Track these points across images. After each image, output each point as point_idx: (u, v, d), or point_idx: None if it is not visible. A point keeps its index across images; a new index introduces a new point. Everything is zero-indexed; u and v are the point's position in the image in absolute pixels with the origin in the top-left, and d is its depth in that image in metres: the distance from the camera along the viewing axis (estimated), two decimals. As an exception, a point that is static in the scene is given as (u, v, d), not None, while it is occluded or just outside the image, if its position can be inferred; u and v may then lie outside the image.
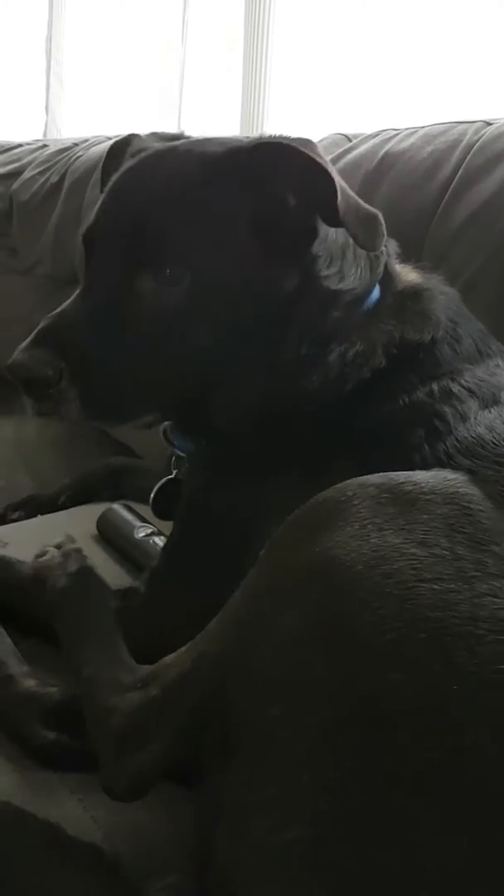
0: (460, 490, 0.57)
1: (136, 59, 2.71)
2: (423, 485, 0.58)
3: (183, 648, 0.64)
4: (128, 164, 0.89)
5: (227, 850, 0.50)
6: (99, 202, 0.88)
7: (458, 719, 0.44)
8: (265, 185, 0.79)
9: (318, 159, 0.76)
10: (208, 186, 0.80)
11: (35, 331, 0.80)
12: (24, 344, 0.79)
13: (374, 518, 0.54)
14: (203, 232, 0.80)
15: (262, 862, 0.47)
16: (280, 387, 0.83)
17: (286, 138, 0.80)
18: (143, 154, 0.88)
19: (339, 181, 0.75)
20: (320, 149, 0.79)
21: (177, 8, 2.38)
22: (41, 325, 0.81)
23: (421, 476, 0.59)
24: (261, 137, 0.82)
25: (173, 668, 0.64)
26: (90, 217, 0.87)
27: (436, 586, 0.48)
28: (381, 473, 0.60)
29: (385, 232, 0.78)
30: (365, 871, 0.43)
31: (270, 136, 0.82)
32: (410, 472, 0.59)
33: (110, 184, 0.87)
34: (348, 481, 0.60)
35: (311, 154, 0.76)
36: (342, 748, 0.46)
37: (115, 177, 0.87)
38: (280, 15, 1.99)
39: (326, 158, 0.77)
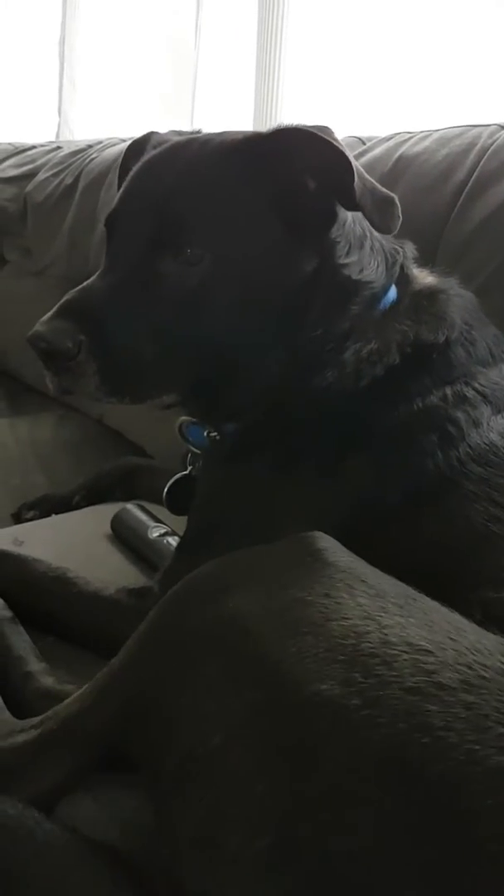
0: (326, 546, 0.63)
1: (149, 62, 2.72)
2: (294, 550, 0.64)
3: (81, 689, 0.70)
4: (149, 154, 0.90)
5: (204, 871, 0.52)
6: (121, 190, 0.89)
7: (385, 716, 0.49)
8: (284, 169, 0.80)
9: (336, 143, 0.78)
10: (228, 170, 0.82)
11: (57, 304, 0.81)
12: (45, 316, 0.80)
13: (273, 581, 0.61)
14: (223, 214, 0.81)
15: (242, 874, 0.50)
16: (296, 376, 0.83)
17: (304, 125, 0.81)
18: (164, 145, 0.90)
19: (356, 165, 0.77)
20: (337, 135, 0.80)
21: (190, 10, 2.39)
22: (63, 298, 0.81)
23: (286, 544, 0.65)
24: (279, 125, 0.83)
25: (73, 704, 0.69)
26: (112, 203, 0.88)
27: (344, 623, 0.55)
28: (249, 549, 0.66)
29: (400, 215, 0.79)
30: (336, 855, 0.47)
31: (289, 124, 0.83)
32: (274, 545, 0.66)
33: (132, 172, 0.88)
34: (224, 558, 0.65)
35: (329, 139, 0.78)
36: (284, 753, 0.51)
37: (136, 166, 0.89)
38: (293, 17, 1.99)
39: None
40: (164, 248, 0.80)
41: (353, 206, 0.78)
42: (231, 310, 0.82)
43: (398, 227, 0.80)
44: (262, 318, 0.82)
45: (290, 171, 0.80)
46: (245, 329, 0.83)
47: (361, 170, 0.78)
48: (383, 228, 0.80)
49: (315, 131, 0.79)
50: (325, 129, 0.80)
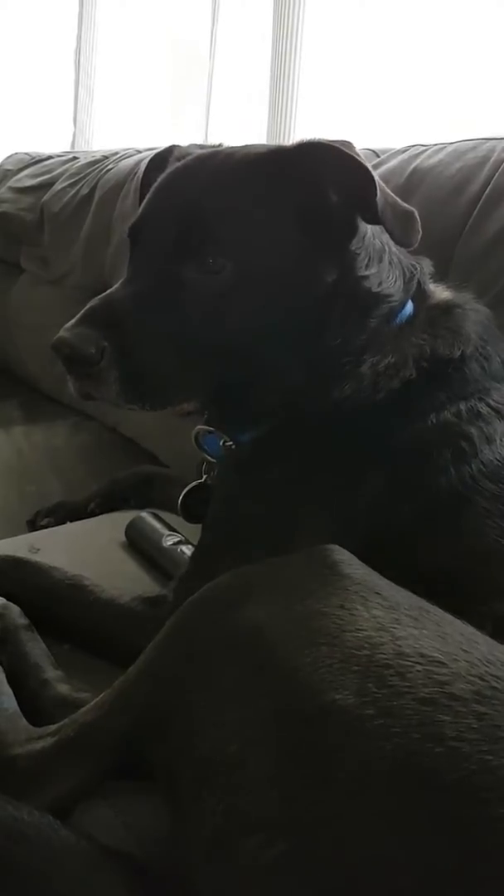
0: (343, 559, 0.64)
1: (164, 73, 2.74)
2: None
3: (97, 698, 0.71)
4: (172, 166, 0.92)
5: (219, 877, 0.53)
6: (144, 201, 0.90)
7: (399, 726, 0.50)
8: (308, 181, 0.81)
9: (359, 158, 0.79)
10: (252, 182, 0.83)
11: (81, 311, 0.82)
12: (69, 323, 0.81)
13: (289, 592, 0.62)
14: (245, 224, 0.82)
15: (257, 880, 0.51)
16: (314, 387, 0.84)
17: (327, 139, 0.82)
18: (187, 157, 0.91)
19: (378, 179, 0.78)
20: (359, 150, 0.82)
21: (205, 21, 2.41)
22: (87, 305, 0.83)
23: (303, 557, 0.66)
24: (303, 140, 0.85)
25: (90, 712, 0.70)
26: (135, 214, 0.90)
27: (359, 634, 0.56)
28: (266, 561, 0.67)
29: (420, 229, 0.80)
30: (349, 863, 0.48)
31: (312, 138, 0.84)
32: (290, 557, 0.67)
33: (156, 183, 0.90)
34: (241, 569, 0.67)
35: (352, 154, 0.79)
36: (299, 762, 0.52)
37: (160, 178, 0.90)
38: (308, 29, 2.01)
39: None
40: (188, 256, 0.81)
41: (374, 219, 0.79)
42: (252, 319, 0.83)
43: (418, 241, 0.81)
44: (282, 327, 0.83)
45: (314, 185, 0.81)
46: (265, 338, 0.83)
47: (383, 184, 0.79)
48: (404, 242, 0.81)
49: (338, 146, 0.80)
50: (348, 144, 0.81)
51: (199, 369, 0.84)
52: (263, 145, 0.89)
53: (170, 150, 0.99)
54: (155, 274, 0.83)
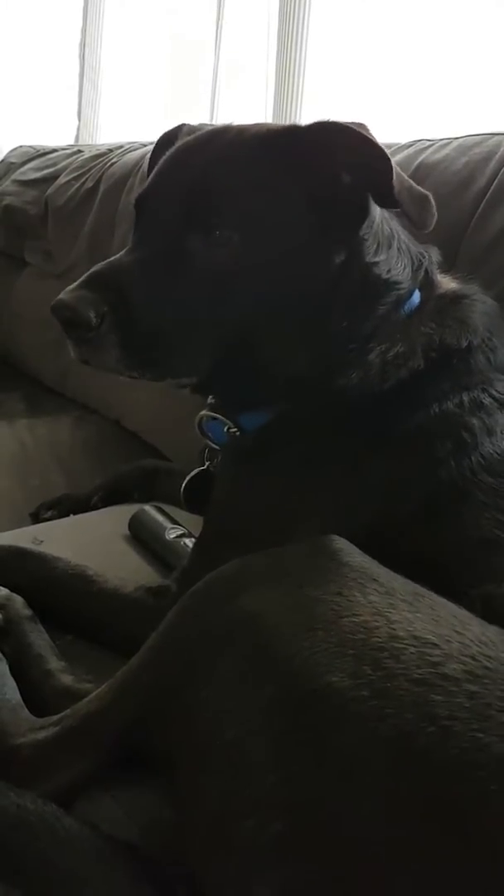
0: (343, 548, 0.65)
1: (169, 66, 2.74)
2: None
3: (100, 688, 0.71)
4: (183, 140, 0.91)
5: (219, 856, 0.54)
6: (153, 172, 0.89)
7: (393, 706, 0.51)
8: (320, 161, 0.81)
9: (374, 140, 0.79)
10: (263, 157, 0.82)
11: (84, 275, 0.81)
12: (71, 286, 0.80)
13: (288, 581, 0.63)
14: (254, 198, 0.82)
15: (256, 857, 0.51)
16: (320, 374, 0.83)
17: (341, 120, 0.81)
18: (198, 132, 0.91)
19: (394, 162, 0.77)
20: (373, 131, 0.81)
21: (210, 14, 2.41)
22: (90, 270, 0.82)
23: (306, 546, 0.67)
24: (317, 120, 0.84)
25: (93, 702, 0.71)
26: (142, 186, 0.89)
27: (355, 619, 0.57)
28: (267, 552, 0.68)
29: (436, 213, 0.80)
30: (345, 841, 0.49)
31: (326, 119, 0.83)
32: (290, 547, 0.68)
33: (165, 155, 0.89)
34: (242, 559, 0.67)
35: (367, 135, 0.79)
36: (296, 743, 0.53)
37: (169, 151, 0.89)
38: (313, 22, 2.00)
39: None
40: (194, 226, 0.81)
41: (391, 201, 0.79)
42: (255, 294, 0.82)
43: (433, 224, 0.81)
44: (286, 305, 0.83)
45: (326, 165, 0.81)
46: (268, 315, 0.83)
47: (398, 167, 0.78)
48: (420, 224, 0.80)
49: (353, 127, 0.79)
50: (363, 126, 0.81)
51: (200, 342, 0.83)
52: (277, 124, 0.88)
53: (179, 128, 0.98)
54: (160, 243, 0.82)
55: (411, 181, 0.81)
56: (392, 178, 0.76)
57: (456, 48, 1.76)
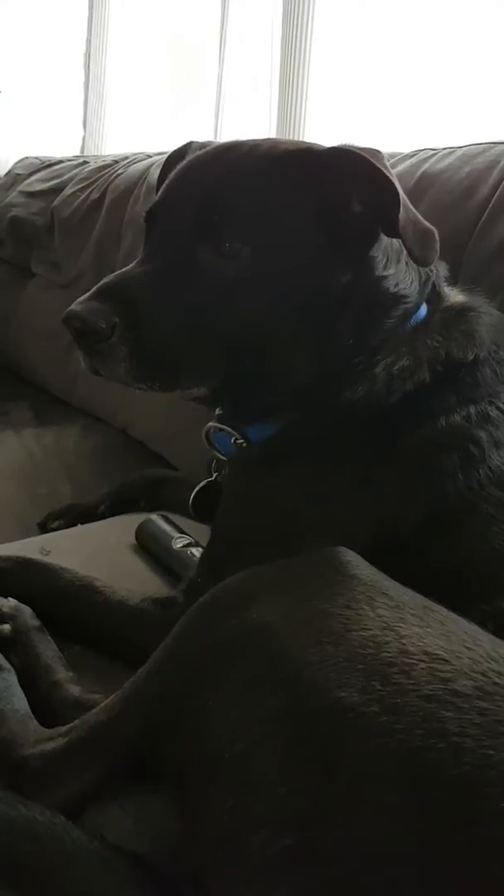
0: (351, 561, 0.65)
1: (173, 76, 2.75)
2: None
3: (108, 699, 0.71)
4: (193, 154, 0.92)
5: (226, 870, 0.54)
6: (163, 186, 0.90)
7: (403, 722, 0.51)
8: (333, 187, 0.82)
9: (386, 172, 0.79)
10: (275, 174, 0.83)
11: (95, 286, 0.82)
12: (82, 297, 0.81)
13: (296, 593, 0.62)
14: (265, 213, 0.82)
15: (264, 873, 0.51)
16: (327, 387, 0.84)
17: (357, 147, 0.82)
18: (208, 147, 0.91)
19: (403, 196, 0.78)
20: (386, 160, 0.82)
21: (214, 26, 2.42)
22: (101, 281, 0.83)
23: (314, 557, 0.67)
24: (337, 145, 0.85)
25: (101, 713, 0.71)
26: (153, 199, 0.90)
27: (364, 633, 0.56)
28: (274, 563, 0.68)
29: (438, 249, 0.80)
30: (354, 856, 0.49)
31: (345, 144, 0.84)
32: (297, 559, 0.68)
33: (176, 169, 0.90)
34: (250, 571, 0.67)
35: (382, 168, 0.79)
36: (305, 758, 0.53)
37: (180, 164, 0.90)
38: (317, 32, 2.01)
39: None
40: (205, 238, 0.82)
41: (394, 235, 0.80)
42: (264, 306, 0.83)
43: (435, 260, 0.82)
44: (294, 319, 0.83)
45: (339, 191, 0.82)
46: (276, 328, 0.84)
47: (406, 200, 0.79)
48: (421, 261, 0.81)
49: (369, 157, 0.80)
50: (377, 155, 0.81)
51: (209, 353, 0.84)
52: (291, 141, 0.89)
53: (188, 145, 1.00)
54: (171, 254, 0.83)
55: (417, 214, 0.81)
56: (399, 214, 0.77)
57: (460, 57, 1.76)
